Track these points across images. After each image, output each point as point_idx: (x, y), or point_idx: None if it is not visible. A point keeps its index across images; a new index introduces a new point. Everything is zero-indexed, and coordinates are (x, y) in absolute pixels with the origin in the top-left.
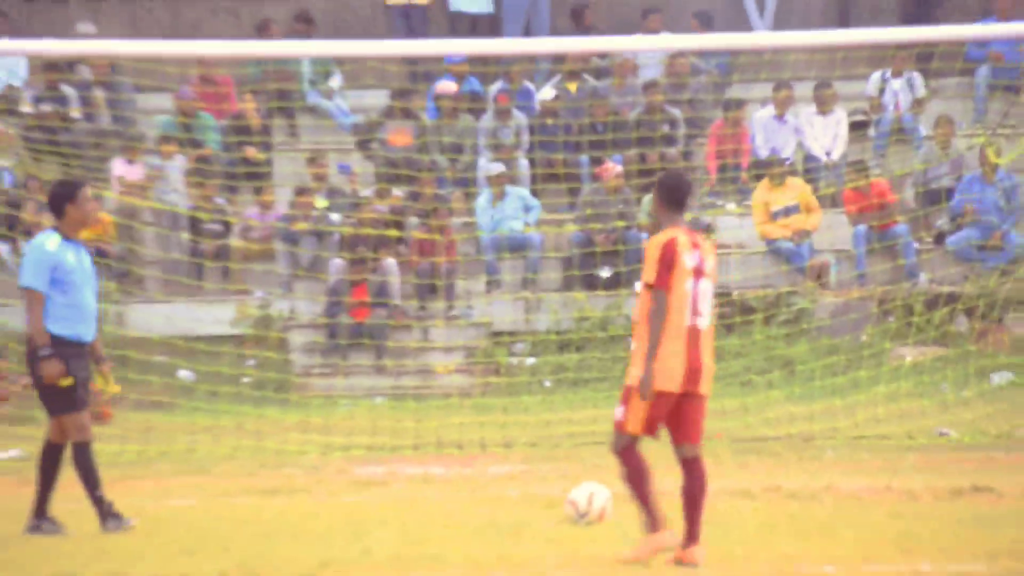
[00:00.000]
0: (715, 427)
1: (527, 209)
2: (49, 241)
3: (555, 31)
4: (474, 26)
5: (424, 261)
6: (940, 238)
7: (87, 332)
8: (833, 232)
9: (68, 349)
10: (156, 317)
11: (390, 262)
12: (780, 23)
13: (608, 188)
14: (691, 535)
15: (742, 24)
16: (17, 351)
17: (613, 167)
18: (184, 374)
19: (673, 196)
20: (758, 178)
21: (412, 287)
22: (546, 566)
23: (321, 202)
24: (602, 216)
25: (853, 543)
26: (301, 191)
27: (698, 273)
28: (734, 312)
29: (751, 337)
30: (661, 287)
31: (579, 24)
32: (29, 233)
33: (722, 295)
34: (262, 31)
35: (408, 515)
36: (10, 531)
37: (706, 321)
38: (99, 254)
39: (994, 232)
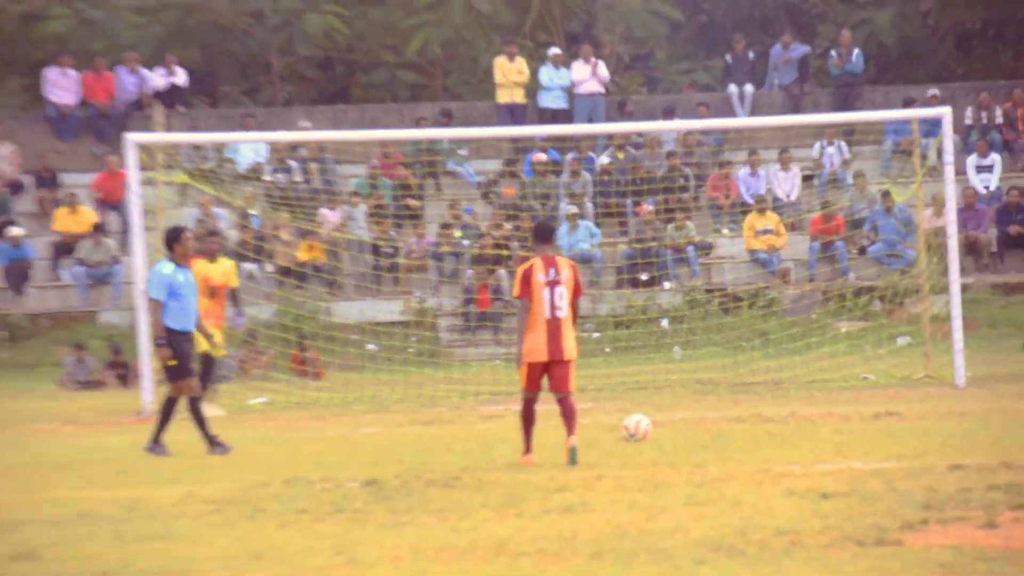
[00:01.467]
0: (717, 376)
1: (592, 235)
2: (166, 267)
3: (608, 119)
4: (555, 117)
5: None
6: (862, 250)
7: (191, 324)
8: (793, 247)
9: (180, 336)
10: (352, 310)
11: (502, 272)
12: (754, 111)
13: (644, 221)
14: (570, 431)
15: (729, 112)
16: (264, 334)
17: (647, 208)
18: (370, 347)
19: (538, 234)
20: (743, 213)
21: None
22: (608, 468)
23: (457, 233)
24: (641, 239)
25: (808, 450)
26: (444, 226)
27: (553, 283)
28: (729, 300)
29: (740, 317)
30: (521, 296)
31: (623, 114)
32: (269, 257)
33: (720, 289)
34: (418, 123)
35: (517, 437)
36: (260, 450)
37: (563, 313)
38: (315, 270)
39: (895, 247)
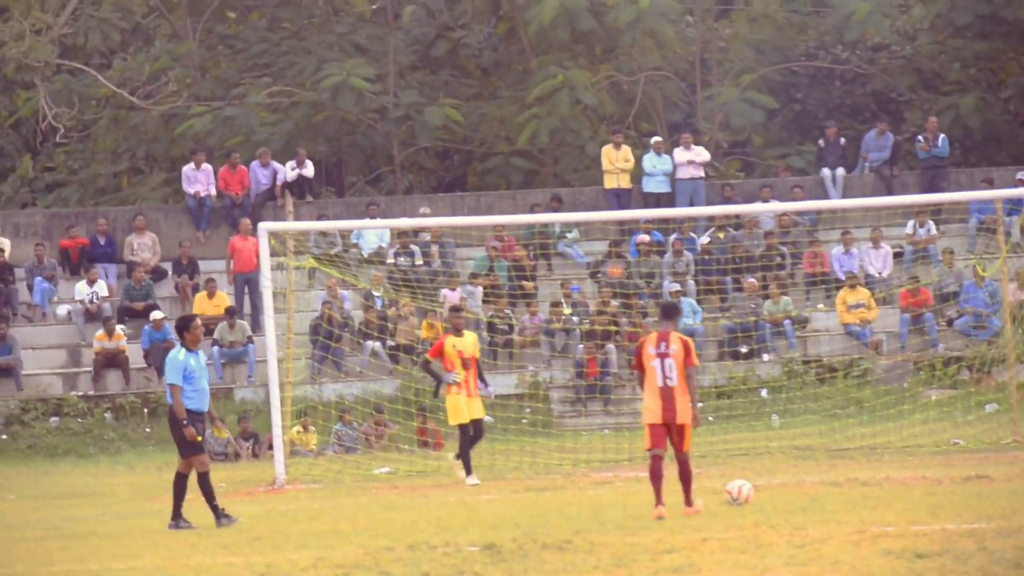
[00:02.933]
0: (814, 442)
1: (695, 312)
2: (180, 354)
3: (709, 202)
4: (658, 201)
5: (631, 345)
6: (950, 322)
7: (204, 405)
8: (884, 320)
9: (195, 416)
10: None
11: (611, 347)
12: (846, 193)
13: (748, 294)
14: (686, 499)
15: (823, 194)
16: (388, 408)
17: (752, 282)
18: (487, 419)
19: (662, 312)
20: (837, 289)
21: (625, 361)
22: (713, 530)
23: (567, 311)
24: (741, 313)
25: (903, 512)
26: (555, 304)
27: (663, 356)
28: (825, 371)
29: (835, 386)
30: (633, 369)
31: (723, 197)
32: (392, 335)
33: (816, 360)
34: (531, 208)
35: (627, 501)
36: (384, 516)
37: (673, 381)
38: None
39: (982, 318)
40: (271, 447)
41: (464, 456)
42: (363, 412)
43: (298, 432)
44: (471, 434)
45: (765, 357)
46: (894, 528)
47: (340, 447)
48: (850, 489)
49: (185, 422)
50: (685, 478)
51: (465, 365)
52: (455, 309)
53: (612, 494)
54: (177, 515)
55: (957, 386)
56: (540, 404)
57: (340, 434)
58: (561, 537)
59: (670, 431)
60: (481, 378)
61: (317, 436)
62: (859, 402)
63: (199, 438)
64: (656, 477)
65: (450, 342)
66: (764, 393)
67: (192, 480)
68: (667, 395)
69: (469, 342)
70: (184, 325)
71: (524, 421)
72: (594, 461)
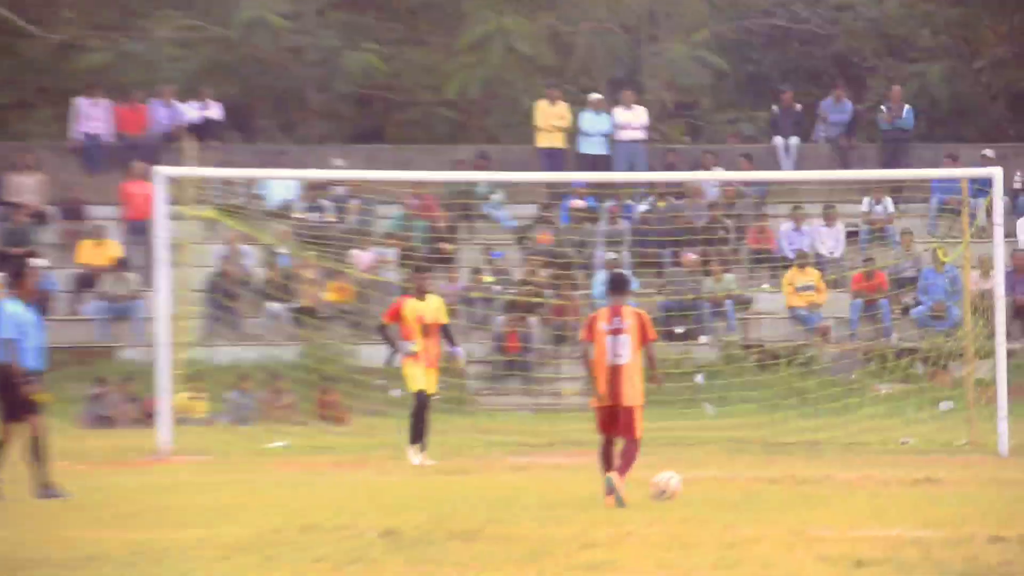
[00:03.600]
0: (751, 435)
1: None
2: (13, 306)
3: (650, 167)
4: (594, 163)
5: (557, 319)
6: (906, 310)
7: (42, 363)
8: (834, 305)
9: (33, 376)
10: (378, 354)
11: (534, 320)
12: (800, 165)
13: (687, 270)
14: (621, 469)
15: (774, 164)
16: (287, 375)
17: (691, 257)
18: (394, 392)
19: (610, 285)
20: (785, 268)
21: (549, 336)
22: (637, 525)
23: (489, 278)
24: (678, 290)
25: (844, 515)
26: (476, 271)
27: (615, 331)
28: (766, 357)
29: (778, 374)
30: (584, 340)
31: (665, 163)
32: (295, 296)
33: (757, 345)
34: (455, 165)
35: (544, 489)
36: (276, 494)
37: (623, 360)
38: (340, 311)
39: (941, 306)
40: (150, 414)
41: (415, 425)
42: (260, 379)
43: (187, 398)
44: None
45: (702, 339)
46: (833, 532)
47: (233, 417)
48: (787, 487)
49: (28, 379)
50: (628, 454)
51: (425, 333)
52: (422, 270)
53: (528, 481)
54: (46, 483)
55: (910, 380)
56: (454, 379)
57: (234, 402)
58: (470, 526)
59: (617, 415)
60: (451, 341)
61: (208, 403)
62: (802, 393)
63: (45, 396)
64: (605, 457)
65: (410, 305)
66: (699, 379)
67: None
68: (614, 375)
69: (432, 307)
70: (17, 271)
71: (436, 397)
72: (510, 444)
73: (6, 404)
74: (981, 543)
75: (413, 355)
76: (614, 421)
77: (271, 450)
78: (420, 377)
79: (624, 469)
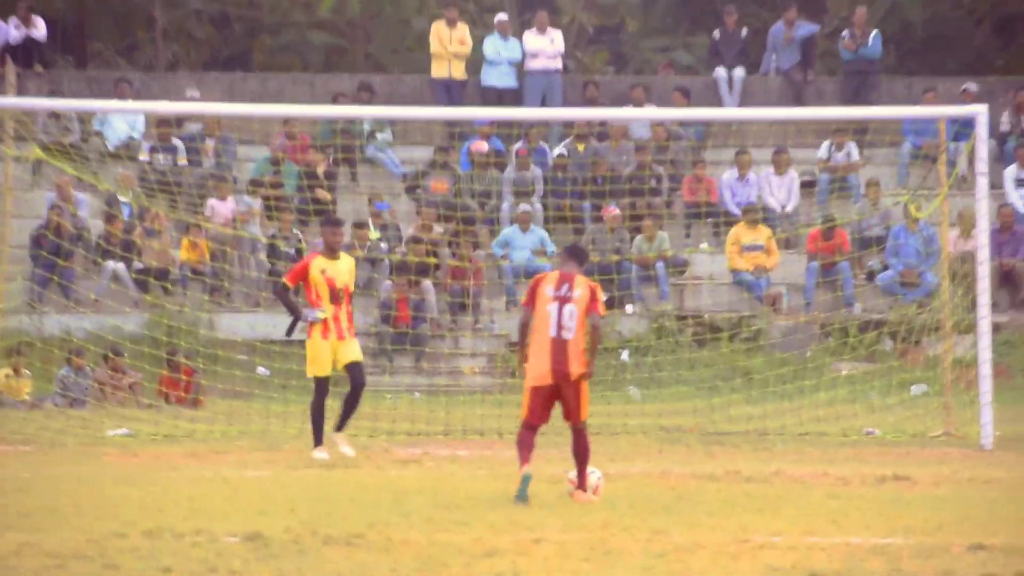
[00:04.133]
0: (687, 422)
1: (544, 245)
2: None
3: (566, 103)
4: (500, 98)
5: (456, 284)
6: (871, 275)
7: None
8: (785, 268)
9: None
10: (240, 324)
11: (428, 284)
12: (745, 101)
13: (608, 228)
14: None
15: (715, 100)
16: (130, 350)
17: (613, 211)
18: (261, 371)
19: (567, 252)
20: (728, 224)
21: (446, 304)
22: (549, 530)
23: (374, 234)
24: (600, 250)
25: (796, 518)
26: (359, 224)
27: (563, 300)
28: (705, 330)
29: (718, 350)
30: (526, 306)
31: (585, 97)
32: (140, 255)
33: (694, 316)
34: (334, 99)
35: (439, 487)
36: (117, 492)
37: (570, 334)
38: (194, 272)
39: (913, 271)
40: None
41: (315, 415)
42: (97, 353)
43: (7, 376)
44: (351, 385)
45: (628, 309)
46: (783, 538)
47: (64, 399)
48: (729, 485)
49: None
50: (581, 454)
51: (336, 298)
52: (335, 223)
53: (420, 477)
54: None
55: (876, 359)
56: None
57: (65, 381)
58: (350, 530)
59: (561, 396)
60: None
61: (33, 382)
62: (747, 373)
63: None
64: (525, 445)
65: (318, 265)
66: (625, 356)
67: None
68: (558, 348)
69: (344, 268)
70: None
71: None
72: (399, 432)
73: None
74: (958, 553)
75: (321, 324)
76: (550, 405)
77: (110, 439)
78: (326, 358)
79: (584, 468)
